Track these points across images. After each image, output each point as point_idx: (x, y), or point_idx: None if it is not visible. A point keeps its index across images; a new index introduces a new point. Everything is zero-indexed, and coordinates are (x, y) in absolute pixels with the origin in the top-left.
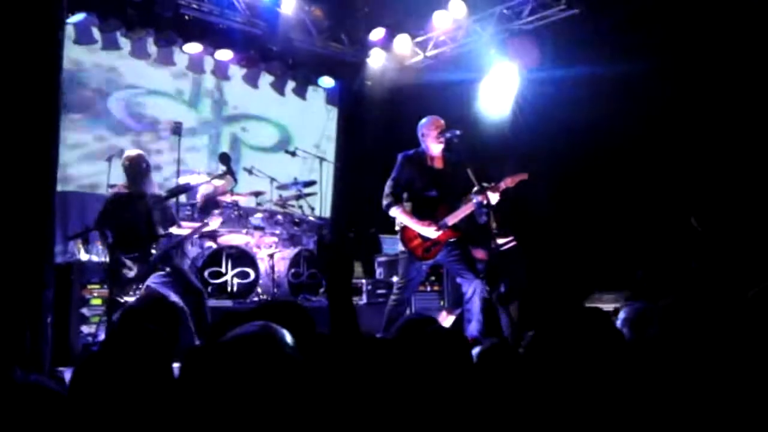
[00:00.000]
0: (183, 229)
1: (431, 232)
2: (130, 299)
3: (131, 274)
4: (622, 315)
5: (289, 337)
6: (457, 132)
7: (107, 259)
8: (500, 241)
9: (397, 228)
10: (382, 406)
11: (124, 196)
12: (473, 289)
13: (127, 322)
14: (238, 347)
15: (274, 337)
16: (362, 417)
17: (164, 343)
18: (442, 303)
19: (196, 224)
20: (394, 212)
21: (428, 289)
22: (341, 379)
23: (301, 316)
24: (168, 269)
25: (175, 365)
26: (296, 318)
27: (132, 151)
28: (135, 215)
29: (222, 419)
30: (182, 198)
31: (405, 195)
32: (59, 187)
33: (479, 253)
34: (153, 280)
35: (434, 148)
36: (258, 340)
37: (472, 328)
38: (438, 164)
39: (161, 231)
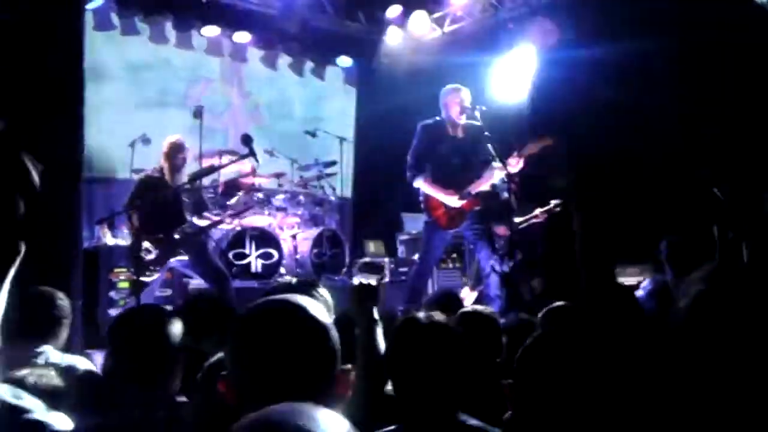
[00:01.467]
0: (203, 220)
1: (454, 201)
2: (151, 279)
3: (150, 256)
4: (647, 287)
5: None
6: (478, 107)
7: (130, 242)
8: (519, 219)
9: (420, 198)
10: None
11: (155, 179)
12: (491, 266)
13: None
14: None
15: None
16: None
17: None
18: (464, 279)
19: (216, 218)
20: (418, 183)
21: (450, 265)
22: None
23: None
24: (191, 254)
25: None
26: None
27: (172, 137)
28: (163, 198)
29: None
30: (205, 181)
31: (428, 165)
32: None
33: (500, 230)
34: (177, 263)
35: (455, 117)
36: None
37: (493, 305)
38: (459, 133)
39: (190, 217)
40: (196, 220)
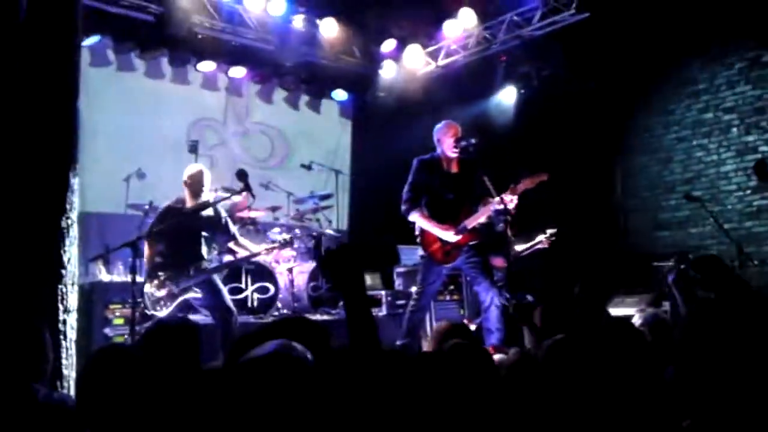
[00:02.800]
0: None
1: (450, 235)
2: (159, 314)
3: (162, 291)
4: (636, 321)
5: (309, 355)
6: (473, 140)
7: (130, 276)
8: (518, 248)
9: (416, 233)
10: (402, 418)
11: (175, 211)
12: (490, 298)
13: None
14: (257, 368)
15: (292, 356)
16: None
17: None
18: (462, 312)
19: (246, 252)
20: (413, 217)
21: (448, 298)
22: (359, 392)
23: (313, 331)
24: (203, 291)
25: None
26: (309, 333)
27: (194, 167)
28: (183, 232)
29: None
30: None
31: (423, 200)
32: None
33: (498, 261)
34: (190, 299)
35: (450, 153)
36: (277, 360)
37: (493, 338)
38: (454, 168)
39: (217, 249)
40: (234, 246)
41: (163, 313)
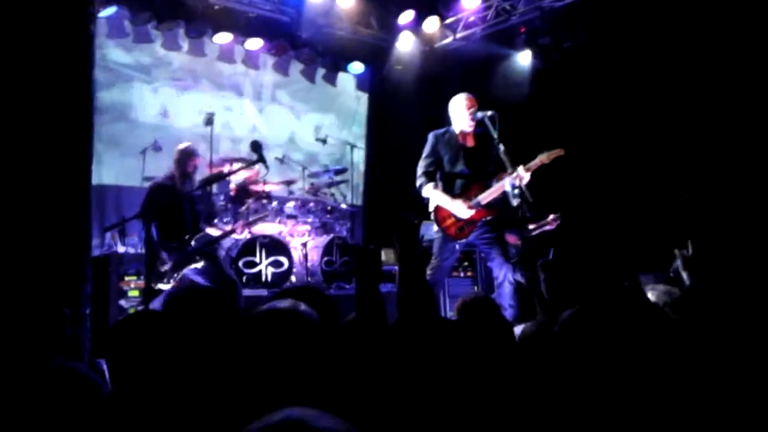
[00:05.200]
0: (214, 228)
1: (463, 210)
2: (166, 287)
3: (167, 265)
4: (650, 297)
5: (314, 313)
6: (489, 113)
7: (144, 250)
8: (532, 225)
9: (430, 208)
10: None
11: (168, 187)
12: (503, 274)
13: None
14: (264, 320)
15: (298, 312)
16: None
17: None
18: (476, 288)
19: (226, 228)
20: (427, 191)
21: (462, 274)
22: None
23: (320, 301)
24: (203, 262)
25: None
26: (316, 302)
27: (183, 144)
28: (178, 206)
29: (254, 384)
30: (214, 187)
31: (438, 175)
32: (95, 181)
33: (511, 238)
34: (188, 270)
35: (465, 126)
36: (286, 313)
37: (506, 314)
38: (469, 142)
39: (203, 224)
40: (207, 230)
41: (168, 286)
